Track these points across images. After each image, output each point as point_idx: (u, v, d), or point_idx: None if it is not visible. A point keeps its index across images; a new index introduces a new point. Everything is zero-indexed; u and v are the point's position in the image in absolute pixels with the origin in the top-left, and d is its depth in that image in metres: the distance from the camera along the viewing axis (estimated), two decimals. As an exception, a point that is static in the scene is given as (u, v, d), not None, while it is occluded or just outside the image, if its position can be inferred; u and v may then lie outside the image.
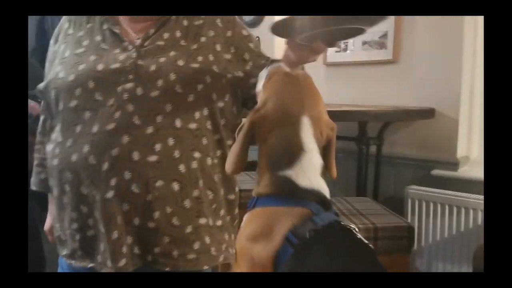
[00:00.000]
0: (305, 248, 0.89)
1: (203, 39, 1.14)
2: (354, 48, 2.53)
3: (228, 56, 1.16)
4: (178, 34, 1.13)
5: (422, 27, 2.33)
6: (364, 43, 2.49)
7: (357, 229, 0.97)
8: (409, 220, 2.26)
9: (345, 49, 2.55)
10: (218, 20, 1.18)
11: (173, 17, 1.14)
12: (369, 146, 2.41)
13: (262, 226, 0.96)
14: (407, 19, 2.35)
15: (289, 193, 0.96)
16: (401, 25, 2.38)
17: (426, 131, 2.37)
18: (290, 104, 1.00)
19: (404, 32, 2.39)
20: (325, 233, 0.91)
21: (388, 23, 2.38)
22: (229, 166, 0.99)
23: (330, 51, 2.65)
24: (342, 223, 0.96)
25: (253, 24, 3.07)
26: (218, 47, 1.15)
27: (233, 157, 0.99)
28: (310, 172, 0.99)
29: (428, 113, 2.31)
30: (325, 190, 0.99)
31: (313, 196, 0.96)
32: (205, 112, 1.11)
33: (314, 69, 3.06)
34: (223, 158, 1.14)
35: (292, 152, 0.98)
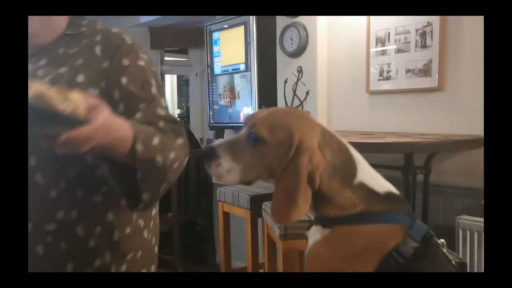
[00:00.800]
0: (410, 268, 0.90)
1: (62, 69, 0.99)
2: (397, 76, 2.51)
3: (95, 91, 0.97)
4: (42, 62, 1.01)
5: (468, 54, 2.29)
6: (408, 71, 2.47)
7: (444, 243, 0.98)
8: (460, 251, 2.17)
9: (388, 77, 2.53)
10: (98, 48, 1.00)
11: (51, 45, 1.02)
12: (415, 175, 2.36)
13: (360, 247, 0.94)
14: (451, 46, 2.33)
15: (376, 207, 0.95)
16: (445, 52, 2.35)
17: (475, 159, 2.29)
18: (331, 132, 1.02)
19: (449, 59, 2.35)
20: (423, 249, 0.93)
21: (432, 50, 2.36)
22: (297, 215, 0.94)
23: (373, 78, 2.62)
24: (433, 237, 0.97)
25: (295, 55, 2.96)
26: (81, 78, 0.98)
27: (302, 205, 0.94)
28: (372, 172, 1.00)
29: (477, 143, 2.23)
30: (394, 189, 1.00)
31: (397, 203, 0.98)
32: (32, 161, 0.97)
33: (357, 97, 3.02)
34: None
35: (349, 164, 0.98)
